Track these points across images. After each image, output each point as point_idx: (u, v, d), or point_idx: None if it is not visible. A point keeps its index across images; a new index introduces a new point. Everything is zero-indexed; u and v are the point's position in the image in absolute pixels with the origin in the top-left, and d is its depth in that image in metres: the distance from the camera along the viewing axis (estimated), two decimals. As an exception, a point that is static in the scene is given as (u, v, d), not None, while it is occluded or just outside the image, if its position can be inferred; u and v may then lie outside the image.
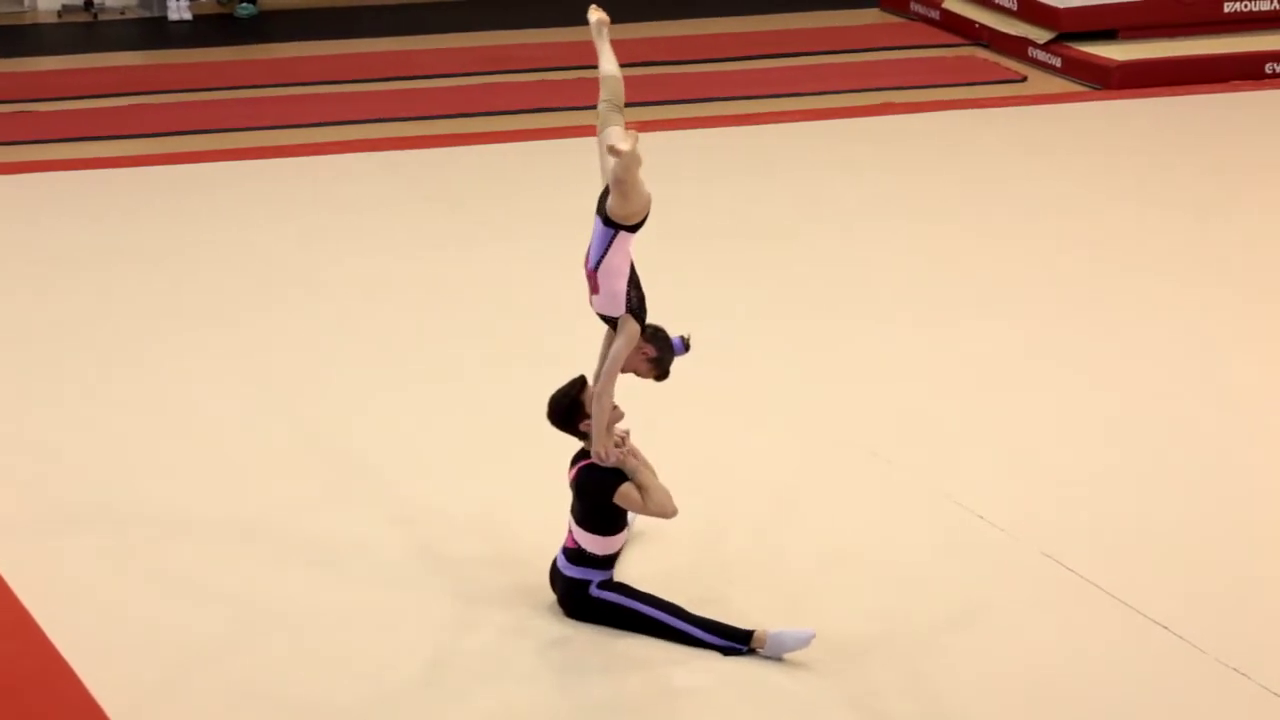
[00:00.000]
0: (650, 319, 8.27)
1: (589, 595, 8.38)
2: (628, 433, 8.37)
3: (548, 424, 8.40)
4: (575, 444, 8.43)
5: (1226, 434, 10.46)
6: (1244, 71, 17.82)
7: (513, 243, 13.18)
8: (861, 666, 8.15)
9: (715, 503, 9.34)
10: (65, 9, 19.82)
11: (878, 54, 18.70)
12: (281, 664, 8.17)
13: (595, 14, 8.61)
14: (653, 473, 8.31)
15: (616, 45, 8.57)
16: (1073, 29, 18.20)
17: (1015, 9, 18.74)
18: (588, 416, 8.24)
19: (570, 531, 8.38)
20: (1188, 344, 11.64)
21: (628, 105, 8.45)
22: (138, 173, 14.69)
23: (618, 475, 8.25)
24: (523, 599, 8.59)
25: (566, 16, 14.46)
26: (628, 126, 8.17)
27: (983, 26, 19.00)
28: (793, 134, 15.96)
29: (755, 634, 8.20)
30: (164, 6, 19.73)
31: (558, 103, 16.49)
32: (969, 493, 9.64)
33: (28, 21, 19.73)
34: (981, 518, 9.42)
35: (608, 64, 8.45)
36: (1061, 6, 18.20)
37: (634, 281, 8.18)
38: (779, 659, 8.16)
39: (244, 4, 19.91)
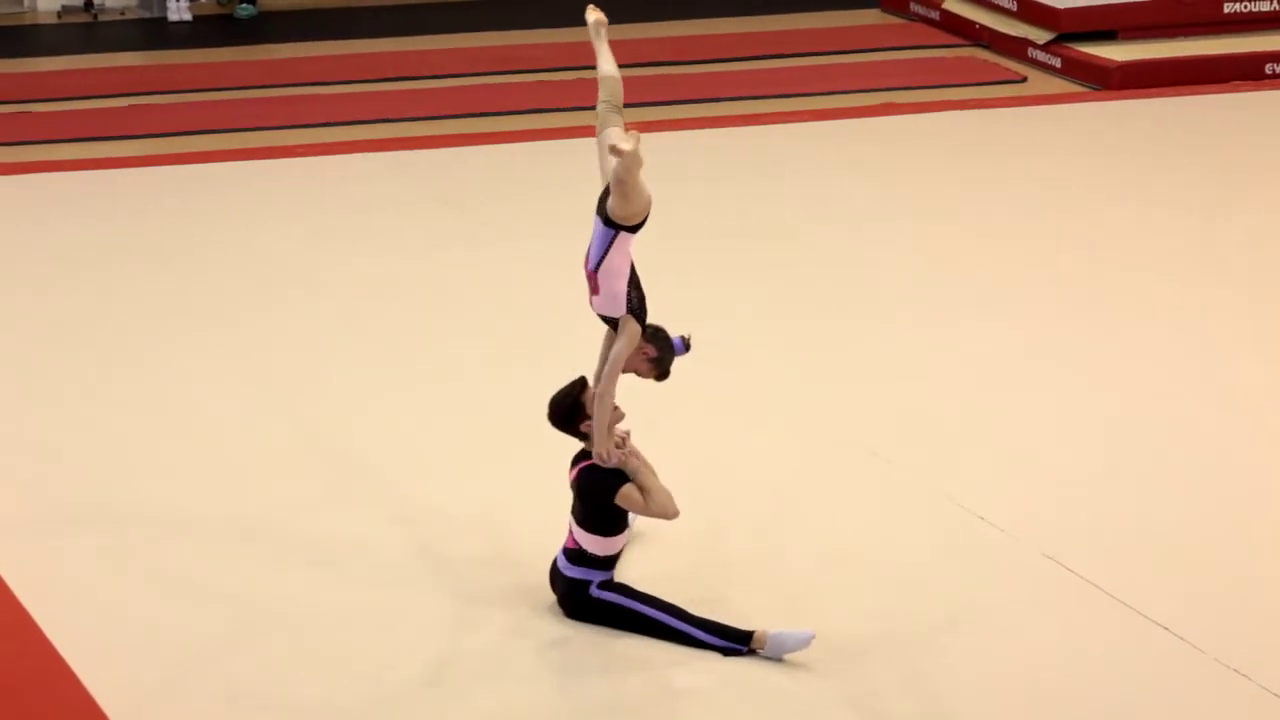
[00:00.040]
0: (652, 319, 8.27)
1: (589, 596, 8.37)
2: (629, 433, 8.36)
3: (548, 424, 8.40)
4: (575, 444, 8.42)
5: (1226, 434, 10.45)
6: (1244, 72, 17.80)
7: (515, 243, 13.17)
8: (861, 666, 8.15)
9: (715, 503, 9.33)
10: (65, 9, 19.80)
11: (878, 54, 18.69)
12: (281, 664, 8.16)
13: (593, 14, 8.61)
14: (654, 473, 8.30)
15: (618, 45, 8.56)
16: (1072, 29, 18.19)
17: (1015, 9, 18.73)
18: (589, 417, 8.24)
19: (571, 532, 8.38)
20: (1187, 344, 11.64)
21: (630, 105, 8.45)
22: (138, 173, 14.68)
23: (619, 476, 8.24)
24: (523, 599, 8.58)
25: (569, 17, 14.42)
26: (629, 127, 8.16)
27: (983, 27, 18.99)
28: (793, 134, 15.95)
29: (755, 635, 8.19)
30: (164, 7, 19.72)
31: (561, 103, 16.48)
32: (969, 493, 9.64)
33: (28, 22, 19.72)
34: (981, 518, 9.42)
35: (606, 64, 8.44)
36: (1061, 7, 18.19)
37: (634, 282, 8.18)
38: (779, 659, 8.15)
39: (244, 4, 19.91)
